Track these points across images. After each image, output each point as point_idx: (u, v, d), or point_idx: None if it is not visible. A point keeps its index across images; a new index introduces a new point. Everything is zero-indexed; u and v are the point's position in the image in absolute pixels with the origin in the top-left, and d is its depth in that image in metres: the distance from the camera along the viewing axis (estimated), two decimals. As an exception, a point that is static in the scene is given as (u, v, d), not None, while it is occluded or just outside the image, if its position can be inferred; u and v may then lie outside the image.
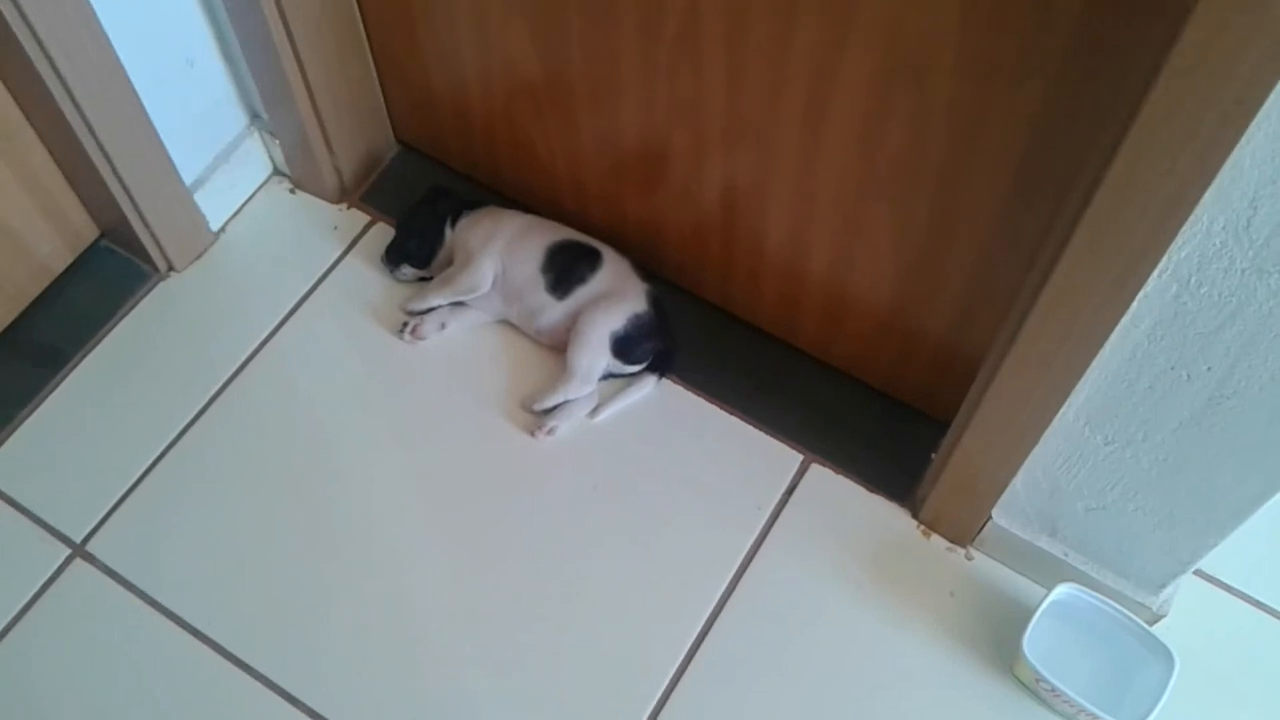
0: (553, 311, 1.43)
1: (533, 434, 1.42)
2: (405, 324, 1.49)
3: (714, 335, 1.48)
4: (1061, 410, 1.05)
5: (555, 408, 1.42)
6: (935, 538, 1.35)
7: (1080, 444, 1.09)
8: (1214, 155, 0.76)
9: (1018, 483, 1.19)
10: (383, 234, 1.57)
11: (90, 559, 1.33)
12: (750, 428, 1.42)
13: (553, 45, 1.26)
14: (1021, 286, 1.01)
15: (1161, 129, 0.77)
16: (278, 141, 1.55)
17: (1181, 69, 0.72)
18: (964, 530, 1.32)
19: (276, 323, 1.50)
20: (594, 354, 1.40)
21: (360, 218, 1.59)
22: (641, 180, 1.37)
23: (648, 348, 1.42)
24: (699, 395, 1.44)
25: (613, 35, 1.19)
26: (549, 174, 1.47)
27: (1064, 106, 0.95)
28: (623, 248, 1.46)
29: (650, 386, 1.44)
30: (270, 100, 1.47)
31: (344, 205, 1.60)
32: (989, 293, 1.17)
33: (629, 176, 1.38)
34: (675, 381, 1.46)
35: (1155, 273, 0.87)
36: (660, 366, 1.44)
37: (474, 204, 1.52)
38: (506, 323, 1.49)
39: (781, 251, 1.32)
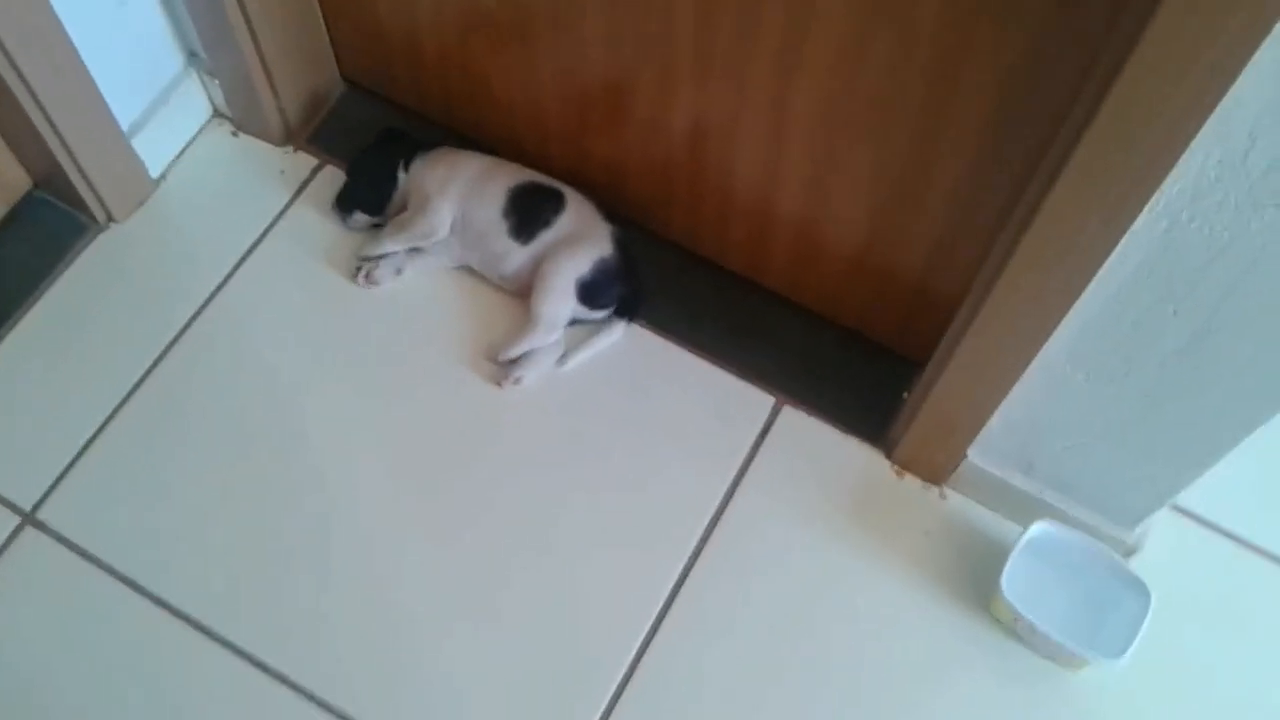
0: (516, 257, 1.38)
1: (499, 384, 1.38)
2: (359, 269, 1.44)
3: (681, 277, 1.44)
4: (1043, 349, 1.03)
5: (521, 357, 1.38)
6: (909, 478, 1.33)
7: (1061, 382, 1.08)
8: (1213, 86, 0.73)
9: (994, 422, 1.18)
10: (332, 178, 1.50)
11: (41, 527, 1.28)
12: (720, 371, 1.39)
13: (510, -25, 1.20)
14: (1004, 225, 0.99)
15: (1160, 60, 0.73)
16: (217, 82, 1.48)
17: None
18: (939, 470, 1.31)
19: (225, 274, 1.44)
20: (559, 300, 1.36)
21: (308, 161, 1.53)
22: (605, 117, 1.32)
23: (614, 292, 1.38)
24: (667, 339, 1.41)
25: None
26: (507, 112, 1.41)
27: (1055, 38, 0.91)
28: (586, 189, 1.42)
29: (618, 332, 1.40)
30: (208, 38, 1.39)
31: (290, 148, 1.53)
32: (968, 230, 1.14)
33: (591, 113, 1.33)
34: (643, 326, 1.42)
35: (1146, 208, 0.85)
36: (628, 311, 1.41)
37: (428, 146, 1.46)
38: (468, 269, 1.44)
39: (752, 190, 1.28)
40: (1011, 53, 0.94)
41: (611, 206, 1.41)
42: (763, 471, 1.33)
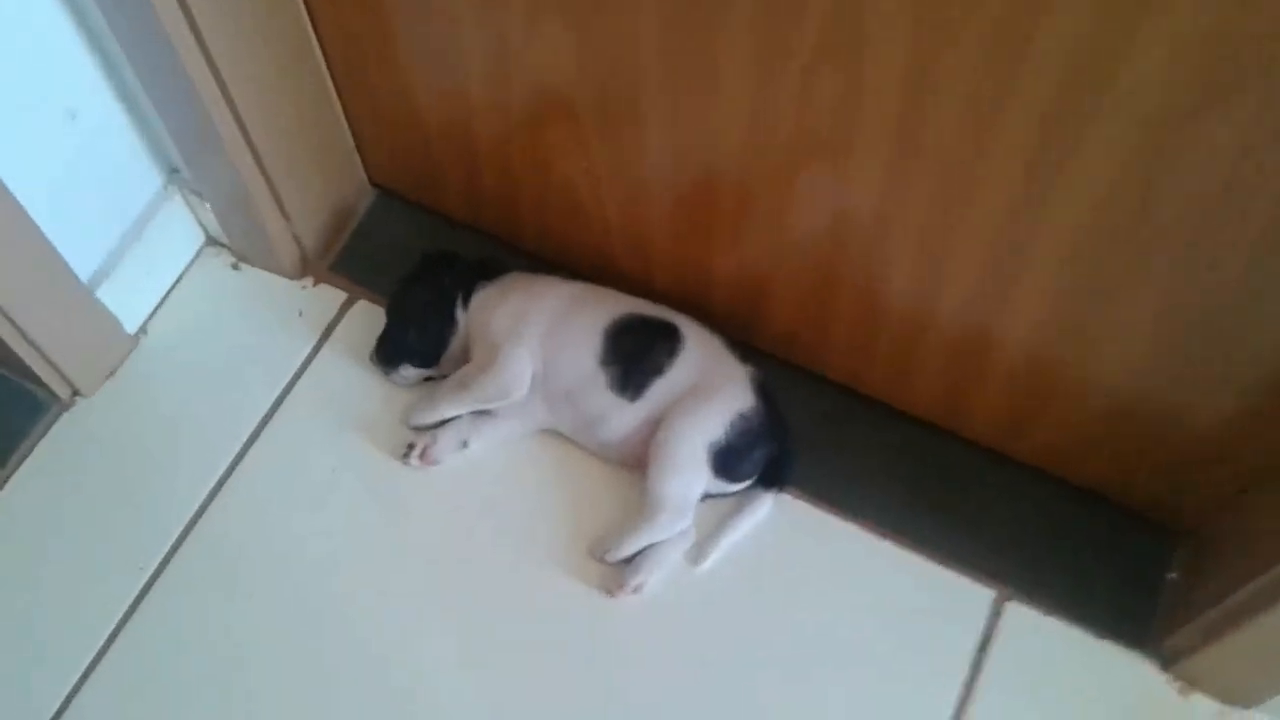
0: (622, 418, 1.02)
1: (611, 593, 1.01)
2: (411, 445, 1.07)
3: (844, 427, 1.08)
4: None
5: (639, 554, 1.01)
6: (1197, 697, 0.95)
7: None
8: None
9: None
10: (367, 316, 1.15)
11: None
12: (909, 554, 1.02)
13: (609, 53, 0.85)
14: None
15: None
16: (207, 204, 1.11)
17: None
18: (1246, 690, 0.93)
19: (230, 458, 1.09)
20: (687, 476, 1.00)
21: (333, 296, 1.17)
22: (734, 218, 0.96)
23: (759, 455, 1.02)
24: (830, 511, 1.04)
25: (709, 39, 0.78)
26: (596, 220, 1.05)
27: None
28: (707, 318, 1.05)
29: (765, 508, 1.04)
30: (190, 150, 1.04)
31: (308, 280, 1.18)
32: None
33: (716, 220, 0.97)
34: (796, 495, 1.05)
35: None
36: (776, 478, 1.04)
37: (491, 272, 1.10)
38: (555, 432, 1.07)
39: (958, 319, 0.91)
40: None
41: (744, 340, 1.05)
42: (992, 701, 0.95)
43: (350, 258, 1.19)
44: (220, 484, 1.07)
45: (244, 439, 1.09)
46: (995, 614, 0.99)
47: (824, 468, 1.05)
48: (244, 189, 1.05)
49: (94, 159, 1.03)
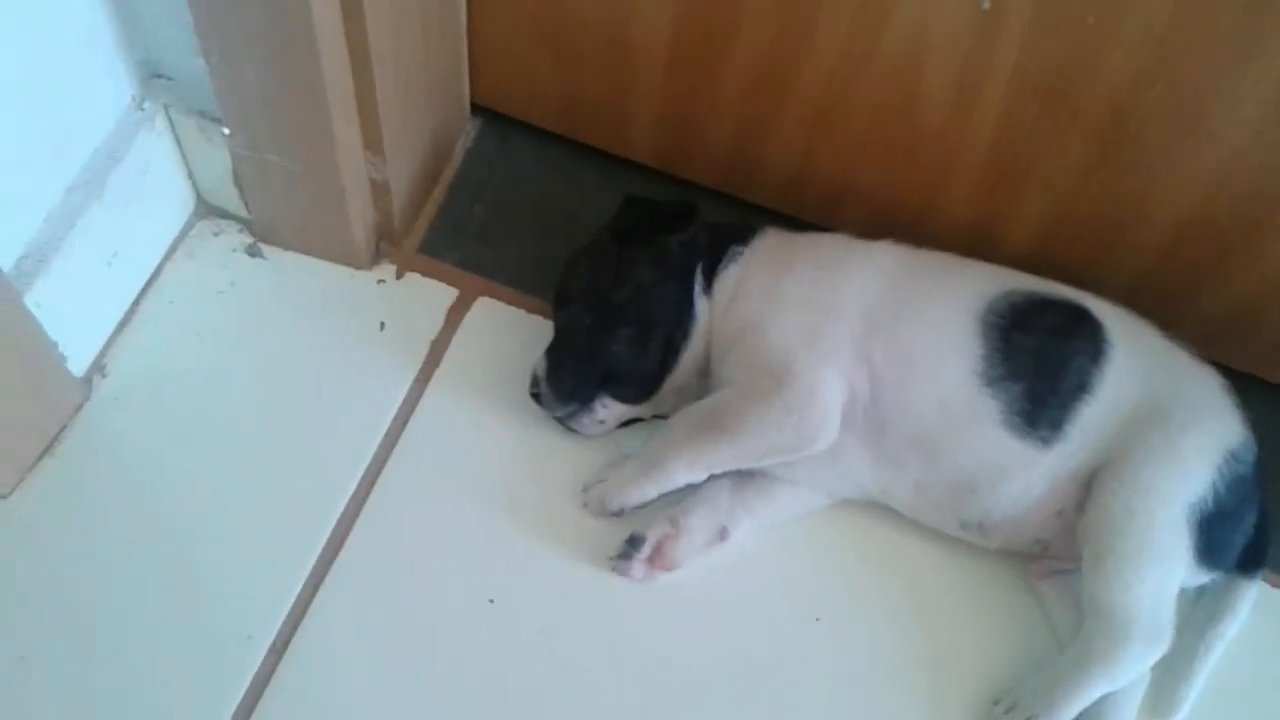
0: (1029, 476, 0.59)
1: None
2: (632, 540, 0.62)
3: None
4: None
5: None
6: None
7: None
8: None
9: None
10: (499, 322, 0.69)
11: None
12: None
13: None
14: None
15: None
16: (221, 134, 0.62)
17: None
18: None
19: (292, 599, 0.60)
20: (1165, 570, 0.57)
21: (433, 293, 0.70)
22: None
23: (1247, 526, 0.59)
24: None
25: None
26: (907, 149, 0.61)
27: None
28: (1126, 300, 0.63)
29: (1248, 600, 0.62)
30: (213, 11, 0.55)
31: (387, 270, 0.69)
32: None
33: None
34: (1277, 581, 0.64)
35: None
36: (1259, 554, 0.61)
37: (739, 231, 0.64)
38: (867, 503, 0.63)
39: None
40: None
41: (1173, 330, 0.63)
42: None
43: (451, 228, 0.71)
44: (279, 646, 0.58)
45: (309, 565, 0.60)
46: None
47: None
48: (318, 95, 0.55)
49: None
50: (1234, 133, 0.56)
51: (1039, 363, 0.58)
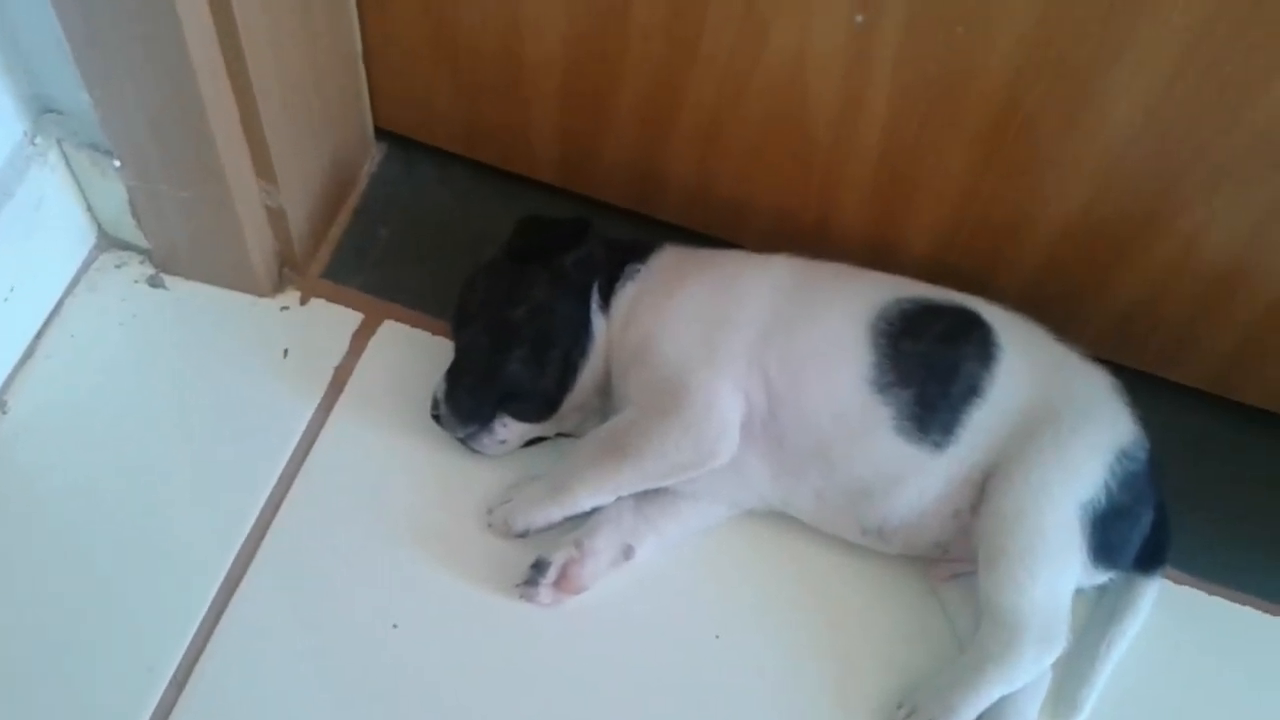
0: (924, 480, 0.59)
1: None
2: (538, 565, 0.62)
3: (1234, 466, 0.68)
4: None
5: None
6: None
7: None
8: None
9: None
10: (402, 345, 0.69)
11: None
12: None
13: None
14: None
15: None
16: (113, 166, 0.62)
17: None
18: None
19: (192, 631, 0.59)
20: (1057, 569, 0.58)
21: (337, 317, 0.70)
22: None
23: (1147, 520, 0.60)
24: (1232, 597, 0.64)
25: None
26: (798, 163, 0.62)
27: None
28: (1025, 304, 0.64)
29: (1148, 601, 0.62)
30: (104, 49, 0.55)
31: (290, 297, 0.69)
32: None
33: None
34: (1178, 578, 0.65)
35: None
36: (1158, 553, 0.62)
37: (636, 249, 0.65)
38: (771, 513, 0.63)
39: None
40: None
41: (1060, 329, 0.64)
42: None
43: (355, 253, 0.71)
44: (179, 679, 0.58)
45: (210, 595, 0.60)
46: None
47: (1202, 529, 0.65)
48: (200, 124, 0.56)
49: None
50: (1111, 132, 0.57)
51: (930, 368, 0.59)
